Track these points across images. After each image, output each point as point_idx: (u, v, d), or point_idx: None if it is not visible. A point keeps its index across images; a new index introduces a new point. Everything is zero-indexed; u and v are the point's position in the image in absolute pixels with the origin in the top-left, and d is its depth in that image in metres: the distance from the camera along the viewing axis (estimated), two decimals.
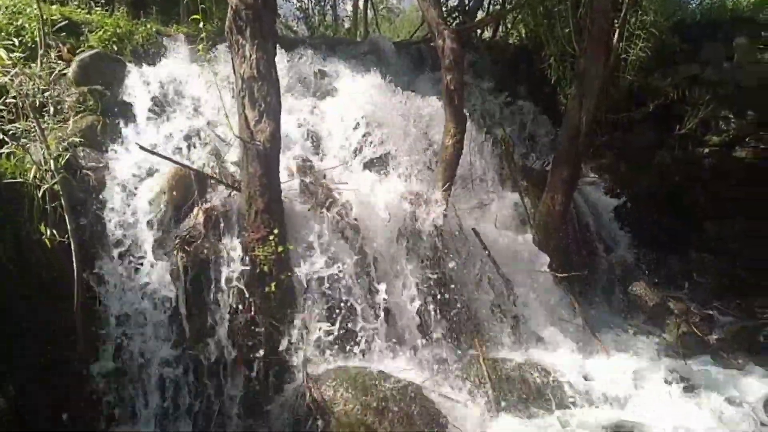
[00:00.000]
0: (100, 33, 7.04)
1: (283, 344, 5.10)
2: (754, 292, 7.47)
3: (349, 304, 5.49)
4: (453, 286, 5.95)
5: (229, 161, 5.83)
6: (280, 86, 5.38)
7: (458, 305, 5.91)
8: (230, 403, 4.98)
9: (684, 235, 8.40)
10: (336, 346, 5.30)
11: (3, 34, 6.09)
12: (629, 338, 6.61)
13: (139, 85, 6.56)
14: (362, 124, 6.98)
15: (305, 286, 5.35)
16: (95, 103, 6.11)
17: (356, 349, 5.35)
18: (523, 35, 10.52)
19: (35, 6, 6.18)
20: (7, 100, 5.23)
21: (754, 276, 7.57)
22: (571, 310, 6.57)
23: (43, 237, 4.75)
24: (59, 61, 6.18)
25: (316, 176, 5.98)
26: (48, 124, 5.53)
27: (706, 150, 8.51)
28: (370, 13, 13.34)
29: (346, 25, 13.92)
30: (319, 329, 5.29)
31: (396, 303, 5.67)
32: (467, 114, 6.68)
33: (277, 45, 5.52)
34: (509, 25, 11.27)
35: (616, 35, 7.45)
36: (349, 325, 5.43)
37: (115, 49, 7.04)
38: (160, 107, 6.48)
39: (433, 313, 5.77)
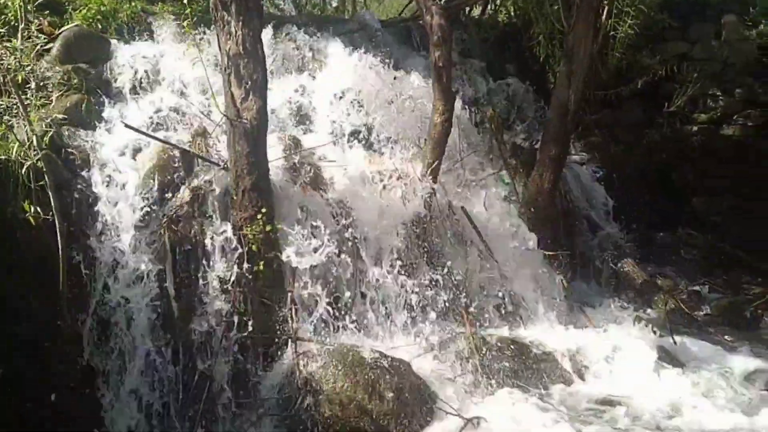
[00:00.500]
0: (84, 11, 6.93)
1: (273, 323, 5.10)
2: (741, 268, 7.52)
3: (338, 282, 5.50)
4: (442, 263, 5.96)
5: (215, 139, 5.78)
6: (267, 64, 5.33)
7: (447, 283, 5.92)
8: (219, 382, 4.97)
9: (672, 212, 8.44)
10: (325, 325, 5.31)
11: None
12: (617, 314, 6.64)
13: (124, 63, 6.48)
14: (350, 101, 6.94)
15: (294, 264, 5.34)
16: (79, 81, 6.03)
17: (346, 327, 5.36)
18: (512, 13, 10.45)
19: None
20: None
21: (741, 252, 7.61)
22: (560, 287, 6.60)
23: (27, 215, 4.69)
24: (40, 35, 6.09)
25: (303, 154, 5.94)
26: (31, 101, 5.45)
27: (695, 128, 8.53)
28: None
29: (334, 3, 13.77)
30: (308, 308, 5.30)
31: (385, 281, 5.68)
32: (456, 92, 6.65)
33: (264, 23, 5.46)
34: (498, 3, 11.19)
35: (605, 12, 7.42)
36: (339, 303, 5.44)
37: (100, 27, 6.95)
38: (145, 86, 6.41)
39: (422, 291, 5.79)
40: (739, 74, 8.41)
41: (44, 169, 4.86)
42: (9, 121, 5.08)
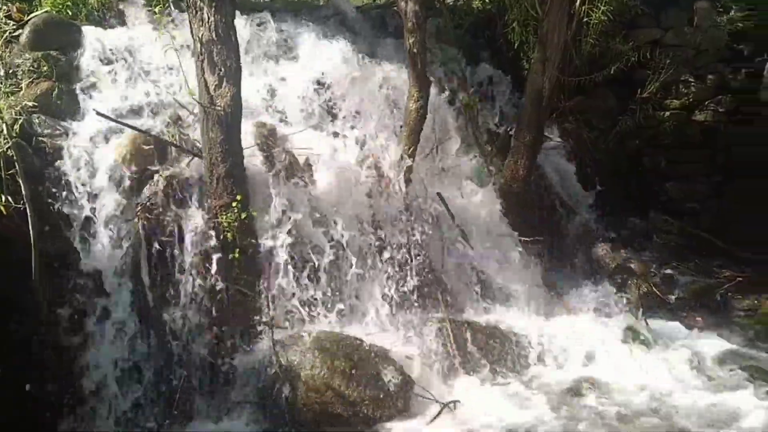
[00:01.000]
0: None
1: (249, 310, 5.09)
2: (713, 252, 7.62)
3: (315, 269, 5.50)
4: (418, 250, 5.99)
5: (189, 127, 5.73)
6: (240, 50, 5.29)
7: (424, 269, 5.96)
8: (195, 370, 4.95)
9: (646, 197, 8.52)
10: (302, 312, 5.32)
11: None
12: (592, 299, 6.71)
13: (95, 50, 6.37)
14: (325, 88, 6.91)
15: (270, 252, 5.33)
16: (50, 68, 5.91)
17: (323, 315, 5.38)
18: None
19: None
20: None
21: (713, 236, 7.71)
22: (536, 272, 6.66)
23: None
24: (9, 21, 5.98)
25: (278, 141, 5.91)
26: (0, 88, 5.37)
27: (667, 113, 8.60)
28: None
29: None
30: (285, 295, 5.30)
31: (362, 268, 5.69)
32: (430, 78, 6.65)
33: (237, 9, 5.41)
34: None
35: None
36: (316, 290, 5.44)
37: (70, 14, 6.83)
38: (117, 73, 6.31)
39: (399, 277, 5.83)
40: (711, 60, 8.49)
41: (15, 158, 4.79)
42: None
